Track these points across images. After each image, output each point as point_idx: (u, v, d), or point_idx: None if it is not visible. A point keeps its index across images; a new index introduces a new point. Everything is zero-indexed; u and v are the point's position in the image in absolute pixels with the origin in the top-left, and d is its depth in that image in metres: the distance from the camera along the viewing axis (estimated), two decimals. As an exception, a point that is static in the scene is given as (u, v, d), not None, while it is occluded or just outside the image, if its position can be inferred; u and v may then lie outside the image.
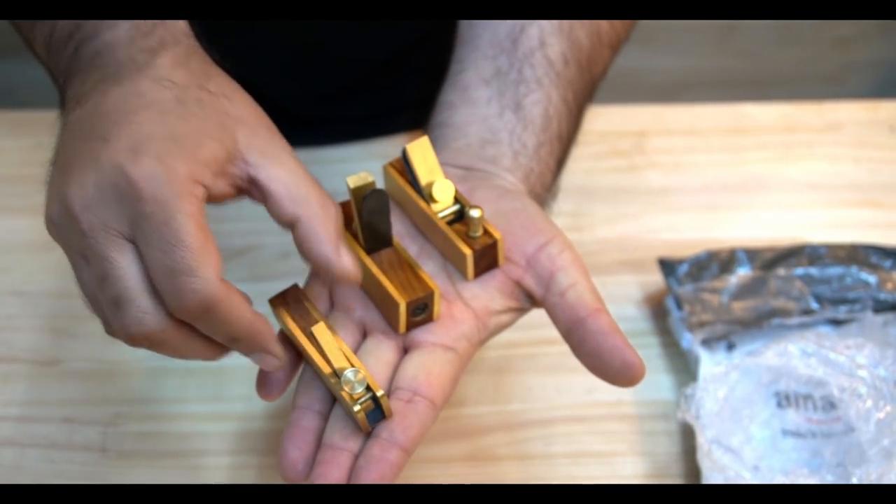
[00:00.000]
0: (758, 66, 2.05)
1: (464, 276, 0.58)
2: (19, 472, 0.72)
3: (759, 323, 0.76)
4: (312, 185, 0.54)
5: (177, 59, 0.55)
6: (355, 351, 0.57)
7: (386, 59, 0.88)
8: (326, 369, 0.54)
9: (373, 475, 0.52)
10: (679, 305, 0.77)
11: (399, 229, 0.60)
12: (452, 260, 0.58)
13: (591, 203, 0.87)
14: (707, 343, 0.76)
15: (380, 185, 0.59)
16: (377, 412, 0.53)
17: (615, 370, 0.54)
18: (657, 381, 0.77)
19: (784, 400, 0.74)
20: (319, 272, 0.55)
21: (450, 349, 0.56)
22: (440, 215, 0.58)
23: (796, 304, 0.77)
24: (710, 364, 0.75)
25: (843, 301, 0.77)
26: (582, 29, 0.69)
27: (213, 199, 0.53)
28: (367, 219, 0.57)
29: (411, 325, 0.57)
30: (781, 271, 0.79)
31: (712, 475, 0.68)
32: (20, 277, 0.83)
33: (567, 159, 0.70)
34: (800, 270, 0.79)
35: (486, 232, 0.57)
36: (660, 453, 0.73)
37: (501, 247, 0.57)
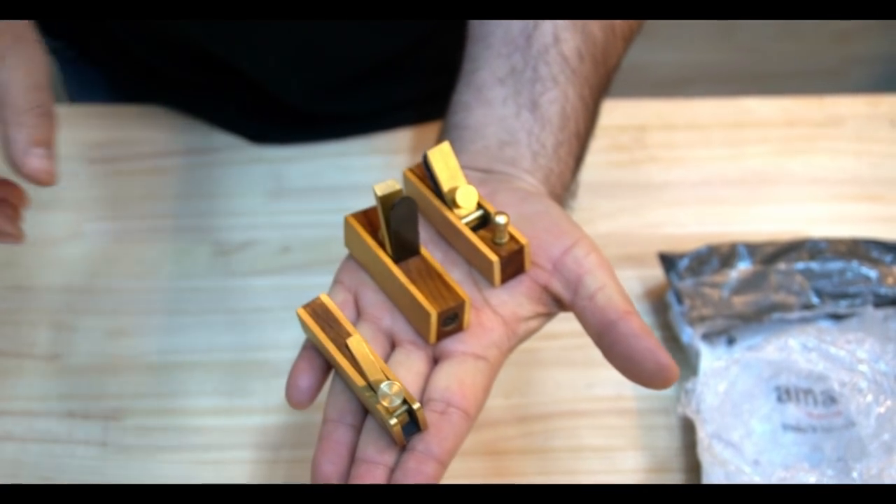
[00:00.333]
0: (759, 61, 2.05)
1: (490, 282, 0.57)
2: (20, 466, 0.72)
3: (760, 317, 0.76)
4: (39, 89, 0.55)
5: None
6: (385, 362, 0.56)
7: (389, 55, 0.88)
8: (360, 382, 0.53)
9: None
10: (679, 300, 0.77)
11: (422, 236, 0.59)
12: (478, 267, 0.57)
13: (591, 197, 0.87)
14: (707, 337, 0.76)
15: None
16: (412, 425, 0.52)
17: (649, 373, 0.53)
18: (658, 375, 0.77)
19: (784, 394, 0.74)
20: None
21: (481, 358, 0.55)
22: (464, 221, 0.57)
23: (797, 298, 0.77)
24: (711, 358, 0.75)
25: (844, 296, 0.77)
26: (596, 23, 0.68)
27: None
28: (395, 227, 0.55)
29: (441, 335, 0.56)
30: (782, 266, 0.79)
31: (712, 469, 0.68)
32: (21, 272, 0.83)
33: (585, 157, 0.69)
34: (800, 265, 0.79)
35: (511, 238, 0.56)
36: (660, 448, 0.73)
37: (528, 252, 0.56)
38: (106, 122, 0.93)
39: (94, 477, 0.72)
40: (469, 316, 0.56)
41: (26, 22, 0.58)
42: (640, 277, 0.82)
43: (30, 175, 0.53)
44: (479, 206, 0.58)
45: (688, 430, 0.73)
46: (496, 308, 0.57)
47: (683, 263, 0.79)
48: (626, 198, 0.87)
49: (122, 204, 0.87)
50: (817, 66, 2.04)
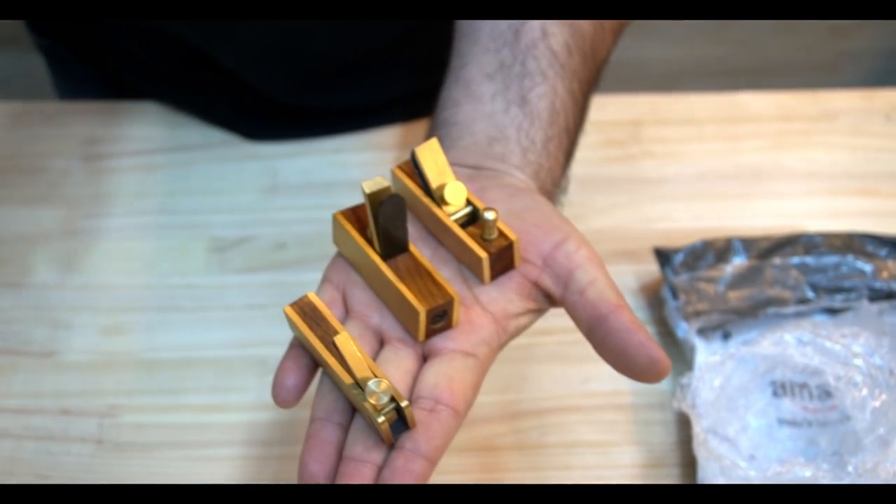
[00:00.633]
0: (753, 56, 2.05)
1: (480, 279, 0.56)
2: (16, 463, 0.72)
3: (755, 312, 0.76)
4: None
5: None
6: (373, 360, 0.56)
7: (371, 50, 0.88)
8: (348, 380, 0.52)
9: None
10: (675, 295, 0.77)
11: (411, 233, 0.58)
12: (468, 263, 0.57)
13: (586, 193, 0.87)
14: (703, 332, 0.76)
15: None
16: (400, 423, 0.52)
17: (641, 367, 0.52)
18: (653, 370, 0.77)
19: (780, 389, 0.74)
20: None
21: (470, 355, 0.55)
22: (452, 218, 0.57)
23: (792, 293, 0.77)
24: (706, 353, 0.75)
25: (839, 290, 0.77)
26: None
27: None
28: (383, 224, 0.55)
29: (430, 333, 0.55)
30: (777, 260, 0.79)
31: (708, 464, 0.68)
32: (16, 269, 0.83)
33: (575, 152, 0.69)
34: (795, 259, 0.79)
35: (500, 234, 0.56)
36: (655, 443, 0.73)
37: (517, 248, 0.56)
38: (100, 118, 0.93)
39: (89, 474, 0.72)
40: (458, 313, 0.55)
41: None
42: (635, 272, 0.82)
43: None
44: (468, 202, 0.57)
45: (683, 425, 0.73)
46: (486, 305, 0.56)
47: (678, 258, 0.79)
48: (621, 193, 0.87)
49: (116, 201, 0.87)
50: (812, 60, 2.05)
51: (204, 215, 0.86)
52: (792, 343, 0.72)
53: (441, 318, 0.55)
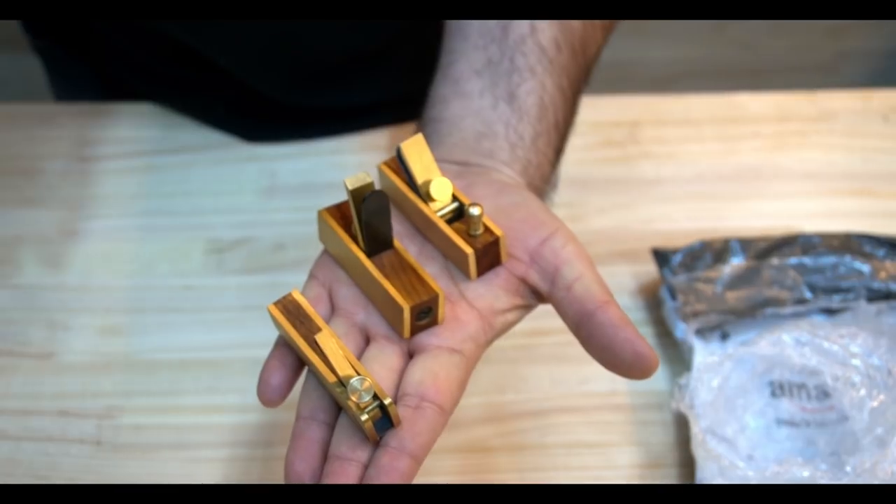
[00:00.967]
0: (751, 56, 2.05)
1: (466, 275, 0.56)
2: (15, 464, 0.72)
3: (753, 312, 0.76)
4: None
5: None
6: (359, 357, 0.56)
7: (371, 49, 0.88)
8: (331, 378, 0.52)
9: None
10: (673, 295, 0.77)
11: (397, 230, 0.58)
12: (454, 260, 0.57)
13: (584, 194, 0.87)
14: (701, 333, 0.76)
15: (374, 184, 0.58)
16: (385, 421, 0.51)
17: (627, 363, 0.52)
18: (651, 371, 0.77)
19: (778, 389, 0.74)
20: None
21: (456, 352, 0.55)
22: (439, 214, 0.57)
23: (790, 293, 0.77)
24: (704, 354, 0.75)
25: (837, 290, 0.77)
26: None
27: None
28: (367, 221, 0.55)
29: (416, 329, 0.55)
30: (775, 261, 0.79)
31: (706, 465, 0.68)
32: (14, 270, 0.83)
33: (565, 148, 0.68)
34: (793, 260, 0.79)
35: (486, 229, 0.56)
36: (654, 443, 0.73)
37: (503, 243, 0.56)
38: (98, 120, 0.93)
39: (88, 475, 0.72)
40: (444, 310, 0.55)
41: None
42: (633, 273, 0.82)
43: None
44: (455, 198, 0.57)
45: (682, 425, 0.74)
46: (472, 301, 0.56)
47: (676, 259, 0.79)
48: (619, 193, 0.87)
49: (114, 202, 0.87)
50: (809, 61, 2.05)
51: (202, 217, 0.86)
52: (790, 343, 0.72)
53: (426, 315, 0.55)
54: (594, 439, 0.74)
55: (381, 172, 0.60)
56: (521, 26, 0.66)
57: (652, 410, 0.75)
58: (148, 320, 0.80)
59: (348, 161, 0.89)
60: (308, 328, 0.55)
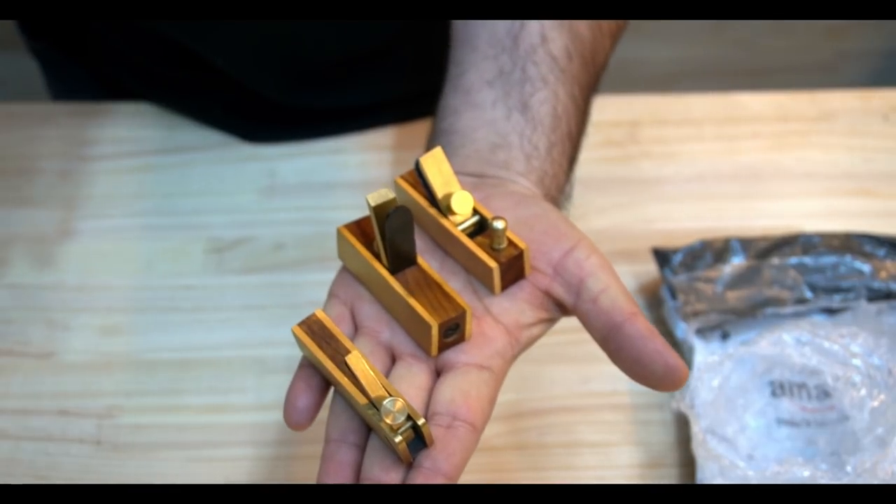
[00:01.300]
0: (751, 56, 2.05)
1: (490, 290, 0.55)
2: (15, 464, 0.72)
3: (754, 312, 0.76)
4: None
5: None
6: (385, 376, 0.54)
7: (371, 49, 0.87)
8: (362, 400, 0.51)
9: None
10: (673, 295, 0.77)
11: (417, 246, 0.57)
12: (477, 274, 0.56)
13: (584, 193, 0.87)
14: (701, 332, 0.76)
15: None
16: (418, 441, 0.50)
17: (658, 375, 0.51)
18: (652, 370, 0.77)
19: (778, 389, 0.74)
20: None
21: (485, 368, 0.54)
22: (460, 228, 0.56)
23: (790, 293, 0.77)
24: (705, 353, 0.75)
25: (837, 290, 0.77)
26: (582, 21, 0.67)
27: None
28: (390, 238, 0.54)
29: (443, 347, 0.54)
30: (775, 260, 0.79)
31: (707, 465, 0.68)
32: (14, 270, 0.83)
33: (578, 157, 0.68)
34: (794, 260, 0.79)
35: (510, 242, 0.55)
36: (654, 443, 0.73)
37: (527, 256, 0.55)
38: (98, 119, 0.93)
39: (88, 475, 0.72)
40: (470, 326, 0.54)
41: None
42: (633, 273, 0.82)
43: None
44: (475, 211, 0.56)
45: (682, 425, 0.74)
46: (498, 316, 0.55)
47: (677, 259, 0.79)
48: (620, 193, 0.87)
49: (114, 202, 0.87)
50: (810, 60, 2.05)
51: (202, 216, 0.86)
52: (790, 343, 0.72)
53: (453, 332, 0.54)
54: (594, 439, 0.74)
55: (397, 186, 0.59)
56: (531, 36, 0.65)
57: (652, 410, 0.75)
58: (148, 320, 0.80)
59: (348, 161, 0.89)
60: (335, 349, 0.54)
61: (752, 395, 0.73)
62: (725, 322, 0.76)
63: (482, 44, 0.66)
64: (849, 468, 0.67)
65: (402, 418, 0.50)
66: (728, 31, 2.06)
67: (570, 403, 0.75)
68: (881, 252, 0.79)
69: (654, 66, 1.95)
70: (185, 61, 0.89)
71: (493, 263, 0.54)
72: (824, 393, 0.74)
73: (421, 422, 0.50)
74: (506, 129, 0.62)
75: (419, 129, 0.91)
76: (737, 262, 0.79)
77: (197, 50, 0.86)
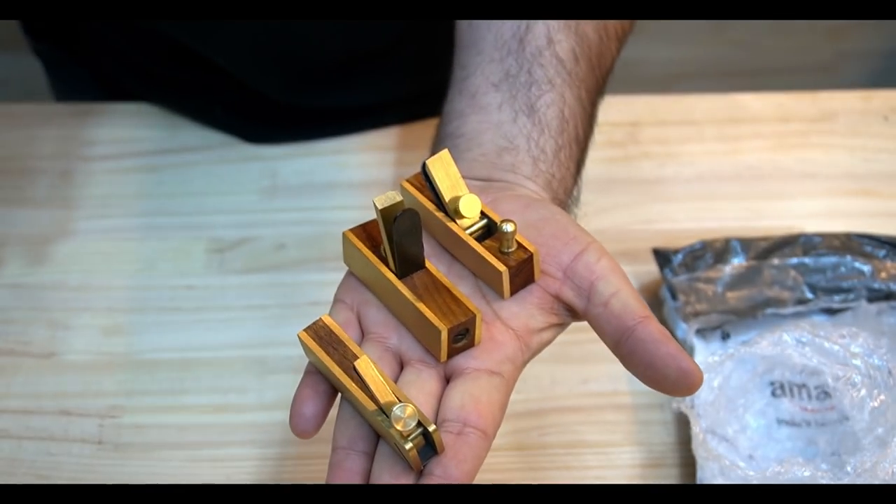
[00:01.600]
0: (752, 56, 2.05)
1: (499, 294, 0.54)
2: (17, 464, 0.72)
3: (754, 312, 0.76)
4: None
5: None
6: (394, 383, 0.54)
7: (373, 49, 0.87)
8: (371, 406, 0.50)
9: None
10: (674, 295, 0.77)
11: (425, 250, 0.56)
12: (486, 278, 0.55)
13: (585, 193, 0.86)
14: (702, 333, 0.76)
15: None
16: (428, 448, 0.50)
17: (672, 380, 0.50)
18: (652, 370, 0.77)
19: (779, 389, 0.74)
20: None
21: (495, 374, 0.53)
22: (468, 231, 0.55)
23: (791, 293, 0.77)
24: (705, 354, 0.75)
25: (838, 290, 0.77)
26: (588, 24, 0.66)
27: None
28: (398, 241, 0.53)
29: (452, 352, 0.53)
30: (776, 261, 0.79)
31: (707, 465, 0.68)
32: (15, 270, 0.83)
33: (585, 161, 0.67)
34: (794, 260, 0.79)
35: (519, 246, 0.54)
36: (655, 443, 0.73)
37: (537, 260, 0.54)
38: (100, 119, 0.93)
39: (89, 475, 0.72)
40: (480, 331, 0.53)
41: None
42: (634, 273, 0.82)
43: None
44: (483, 215, 0.56)
45: (682, 425, 0.74)
46: (507, 321, 0.54)
47: (677, 259, 0.79)
48: (620, 194, 0.87)
49: (116, 202, 0.87)
50: (810, 61, 2.05)
51: (203, 216, 0.86)
52: (791, 343, 0.72)
53: (463, 337, 0.53)
54: (595, 439, 0.74)
55: (403, 190, 0.58)
56: (537, 38, 0.64)
57: (653, 410, 0.75)
58: (149, 320, 0.80)
59: (349, 161, 0.90)
60: (342, 354, 0.53)
61: (752, 395, 0.73)
62: (726, 322, 0.76)
63: (487, 47, 0.65)
64: (849, 468, 0.67)
65: (413, 424, 0.49)
66: (728, 32, 2.06)
67: (570, 403, 0.76)
68: (881, 252, 0.79)
69: (655, 67, 1.95)
70: (187, 61, 0.89)
71: (502, 267, 0.53)
72: (824, 393, 0.74)
73: (432, 428, 0.49)
74: (512, 133, 0.62)
75: (421, 129, 0.91)
76: (737, 263, 0.79)
77: (198, 49, 0.86)
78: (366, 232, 0.57)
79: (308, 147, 0.90)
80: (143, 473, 0.72)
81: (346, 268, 0.58)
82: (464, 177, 0.58)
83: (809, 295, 0.77)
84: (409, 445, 0.49)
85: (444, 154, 0.56)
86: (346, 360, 0.52)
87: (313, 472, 0.72)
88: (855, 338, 0.72)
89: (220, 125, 0.91)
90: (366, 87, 0.90)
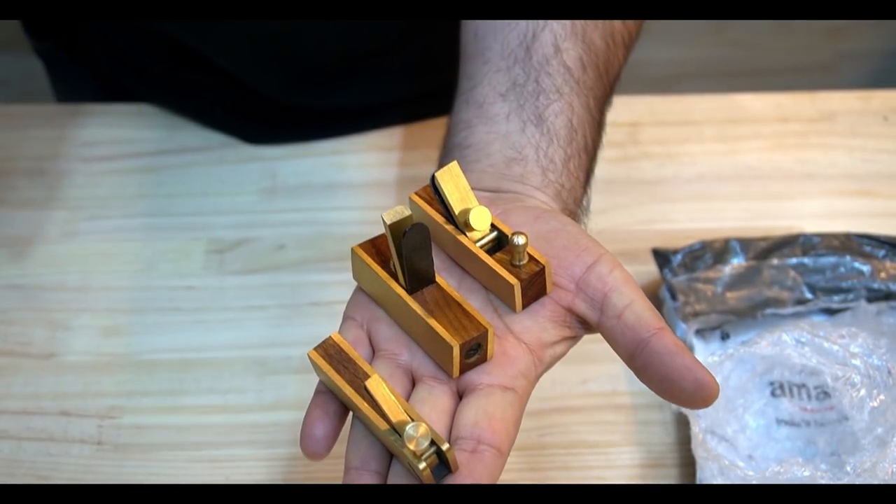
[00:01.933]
0: (751, 57, 2.05)
1: (511, 308, 0.54)
2: (17, 465, 0.72)
3: (753, 313, 0.76)
4: None
5: None
6: (406, 400, 0.53)
7: (373, 49, 0.87)
8: (383, 425, 0.50)
9: None
10: (673, 296, 0.77)
11: (434, 264, 0.55)
12: (497, 292, 0.54)
13: (585, 194, 0.87)
14: (701, 333, 0.76)
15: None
16: (442, 467, 0.49)
17: (688, 392, 0.50)
18: (652, 371, 0.77)
19: (778, 389, 0.74)
20: None
21: (508, 389, 0.52)
22: (478, 244, 0.54)
23: (790, 293, 0.77)
24: (705, 354, 0.75)
25: (837, 290, 0.77)
26: (596, 31, 0.65)
27: None
28: (408, 256, 0.52)
29: (464, 368, 0.52)
30: (775, 261, 0.79)
31: (707, 465, 0.68)
32: (15, 271, 0.83)
33: (594, 170, 0.66)
34: (793, 260, 0.79)
35: (531, 258, 0.53)
36: (654, 443, 0.73)
37: (549, 272, 0.53)
38: (100, 120, 0.93)
39: (89, 475, 0.72)
40: (492, 345, 0.53)
41: None
42: (633, 273, 0.80)
43: None
44: (493, 227, 0.55)
45: (682, 425, 0.74)
46: (519, 335, 0.54)
47: (677, 259, 0.79)
48: (620, 194, 0.88)
49: (116, 202, 0.87)
50: (809, 61, 2.05)
51: (203, 217, 0.86)
52: (790, 343, 0.72)
53: (475, 352, 0.52)
54: (594, 439, 0.74)
55: (412, 203, 0.58)
56: (544, 46, 0.64)
57: (652, 410, 0.75)
58: (149, 320, 0.80)
59: (349, 161, 0.90)
60: (353, 373, 0.52)
61: (751, 395, 0.73)
62: (725, 322, 0.76)
63: (494, 56, 0.64)
64: (848, 468, 0.67)
65: (426, 444, 0.48)
66: (728, 32, 2.06)
67: (569, 404, 0.76)
68: (881, 252, 0.79)
69: (654, 67, 1.95)
70: (187, 61, 0.89)
71: (514, 280, 0.53)
72: (824, 393, 0.74)
73: (445, 447, 0.48)
74: (521, 143, 0.61)
75: (421, 130, 0.91)
76: (736, 263, 0.79)
77: (198, 49, 0.87)
78: (374, 247, 0.56)
79: (308, 147, 0.90)
80: (142, 474, 0.72)
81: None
82: (473, 188, 0.58)
83: (809, 295, 0.77)
84: (422, 465, 0.48)
85: (454, 166, 0.55)
86: (357, 379, 0.52)
87: (312, 472, 0.72)
88: (854, 338, 0.72)
89: (220, 126, 0.91)
90: (366, 87, 0.90)
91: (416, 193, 0.57)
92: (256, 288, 0.82)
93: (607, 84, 0.67)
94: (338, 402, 0.53)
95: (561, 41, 0.64)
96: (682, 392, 0.50)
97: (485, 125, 0.62)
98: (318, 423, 0.52)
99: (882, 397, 0.69)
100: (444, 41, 0.70)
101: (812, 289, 0.77)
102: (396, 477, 0.50)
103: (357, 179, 0.88)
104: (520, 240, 0.52)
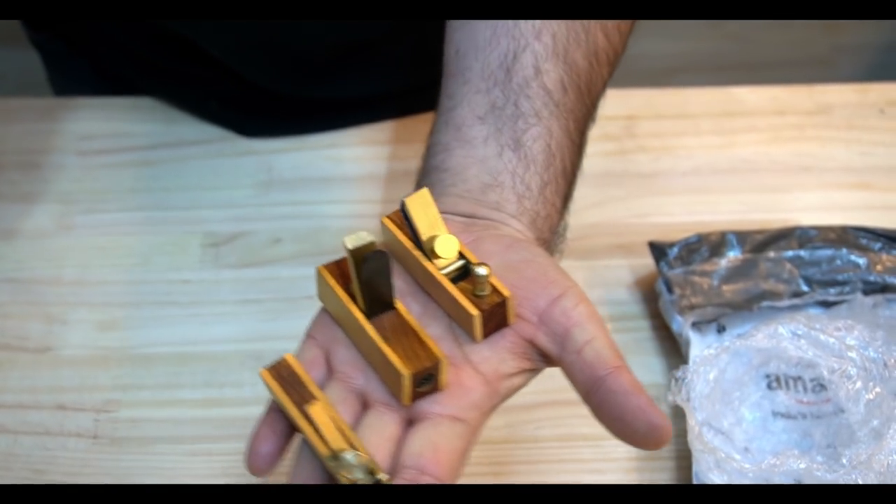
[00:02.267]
0: (748, 50, 2.05)
1: (471, 337, 0.53)
2: (13, 459, 0.72)
3: (750, 305, 0.76)
4: None
5: None
6: (355, 424, 0.52)
7: (368, 40, 0.87)
8: (324, 450, 0.50)
9: None
10: (669, 289, 0.77)
11: (401, 286, 0.56)
12: (459, 321, 0.54)
13: (580, 187, 0.86)
14: (697, 326, 0.76)
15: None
16: None
17: (640, 434, 0.49)
18: (648, 363, 0.77)
19: (774, 382, 0.74)
20: None
21: (458, 420, 0.51)
22: (443, 272, 0.54)
23: (786, 286, 0.77)
24: (701, 347, 0.75)
25: (833, 283, 0.77)
26: (578, 50, 0.65)
27: None
28: (367, 281, 0.52)
29: (416, 396, 0.52)
30: (772, 254, 0.79)
31: (703, 457, 0.68)
32: (11, 264, 0.83)
33: (572, 194, 0.66)
34: (790, 253, 0.79)
35: (493, 289, 0.53)
36: (651, 436, 0.73)
37: (511, 305, 0.53)
38: (96, 113, 0.93)
39: (85, 469, 0.72)
40: (446, 376, 0.52)
41: None
42: (630, 266, 0.82)
43: None
44: (461, 255, 0.55)
45: (678, 418, 0.74)
46: (477, 365, 0.53)
47: (673, 252, 0.79)
48: (616, 187, 0.88)
49: (112, 196, 0.87)
50: (806, 54, 2.05)
51: (199, 211, 0.86)
52: (786, 336, 0.72)
53: (428, 381, 0.52)
54: (589, 432, 0.74)
55: (383, 226, 0.58)
56: (525, 68, 0.63)
57: (648, 403, 0.75)
58: (145, 314, 0.80)
59: (345, 155, 0.90)
60: (301, 395, 0.52)
61: (748, 388, 0.73)
62: (721, 315, 0.76)
63: (474, 76, 0.64)
64: (844, 460, 0.67)
65: (360, 473, 0.49)
66: (724, 26, 2.06)
67: (564, 397, 0.75)
68: (877, 245, 0.79)
69: (651, 61, 1.95)
70: (182, 52, 0.89)
71: (474, 311, 0.52)
72: (820, 386, 0.74)
73: (384, 478, 0.49)
74: (497, 168, 0.60)
75: (416, 124, 0.91)
76: (733, 256, 0.79)
77: (193, 40, 0.86)
78: (339, 269, 0.56)
79: (303, 141, 0.90)
80: (138, 468, 0.72)
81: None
82: (448, 213, 0.58)
83: (805, 288, 0.77)
84: None
85: (424, 192, 0.55)
86: (305, 402, 0.52)
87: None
88: (850, 330, 0.72)
89: (215, 119, 0.91)
90: (360, 78, 0.90)
91: (389, 217, 0.57)
92: (252, 281, 0.82)
93: (589, 104, 0.67)
94: (286, 422, 0.53)
95: (542, 62, 0.63)
96: (635, 433, 0.50)
97: (462, 148, 0.62)
98: (264, 441, 0.53)
99: (878, 390, 0.69)
100: (437, 34, 0.70)
101: (808, 281, 0.77)
102: None
103: (353, 173, 0.88)
104: (482, 270, 0.52)
